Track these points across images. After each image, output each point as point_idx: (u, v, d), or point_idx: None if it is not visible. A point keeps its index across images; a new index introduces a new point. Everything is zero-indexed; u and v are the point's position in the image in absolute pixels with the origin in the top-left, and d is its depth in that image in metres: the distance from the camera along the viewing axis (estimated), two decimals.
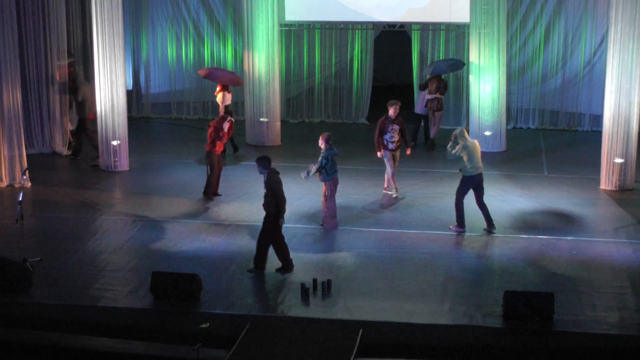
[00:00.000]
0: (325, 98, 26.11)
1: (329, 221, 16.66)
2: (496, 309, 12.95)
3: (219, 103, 21.93)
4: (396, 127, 18.15)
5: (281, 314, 13.05)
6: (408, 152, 18.51)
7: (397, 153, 18.43)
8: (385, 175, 18.63)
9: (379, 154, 18.38)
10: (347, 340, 12.07)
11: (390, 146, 18.22)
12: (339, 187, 16.79)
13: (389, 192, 18.54)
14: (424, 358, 11.94)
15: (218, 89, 22.06)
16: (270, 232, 14.45)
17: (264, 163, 14.43)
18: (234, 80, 22.23)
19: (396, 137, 18.18)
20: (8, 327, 12.79)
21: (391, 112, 18.17)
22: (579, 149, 22.87)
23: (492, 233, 16.29)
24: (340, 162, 17.05)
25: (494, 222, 16.47)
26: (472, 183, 16.34)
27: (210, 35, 26.02)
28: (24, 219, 14.86)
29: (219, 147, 18.30)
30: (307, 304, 13.38)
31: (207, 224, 16.77)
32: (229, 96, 22.14)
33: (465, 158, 16.17)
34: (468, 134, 16.68)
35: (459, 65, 23.47)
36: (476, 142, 16.53)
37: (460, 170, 16.38)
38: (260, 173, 14.54)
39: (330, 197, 16.56)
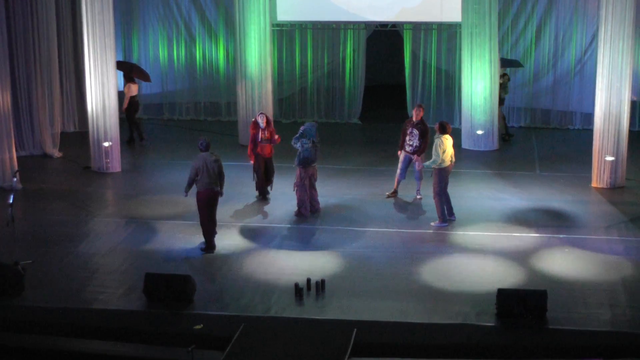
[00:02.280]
0: (317, 98, 26.10)
1: (301, 211, 17.00)
2: (490, 307, 12.96)
3: (125, 94, 22.93)
4: (416, 132, 17.95)
5: (275, 314, 13.04)
6: (415, 158, 18.07)
7: (419, 156, 18.11)
8: (417, 181, 18.43)
9: (398, 152, 18.33)
10: (342, 340, 12.08)
11: (407, 148, 18.10)
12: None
13: (417, 197, 18.42)
14: (418, 357, 11.95)
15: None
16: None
17: (198, 143, 15.49)
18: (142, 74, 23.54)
19: (415, 142, 17.95)
20: (0, 331, 12.76)
21: (413, 114, 18.15)
22: (571, 147, 22.91)
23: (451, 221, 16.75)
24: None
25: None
26: (446, 174, 16.60)
27: (202, 35, 26.01)
28: (15, 222, 14.84)
29: (260, 149, 18.03)
30: (301, 305, 13.39)
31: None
32: (134, 87, 23.01)
33: (440, 151, 16.39)
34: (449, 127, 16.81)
35: (511, 63, 23.69)
36: (450, 137, 16.77)
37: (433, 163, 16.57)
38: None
39: (299, 185, 16.89)
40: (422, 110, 18.17)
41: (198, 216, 15.58)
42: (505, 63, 23.37)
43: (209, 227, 15.51)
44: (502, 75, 23.03)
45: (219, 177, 15.41)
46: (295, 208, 17.18)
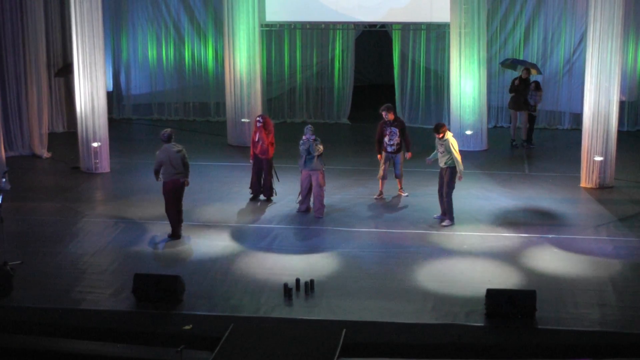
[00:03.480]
0: (306, 98, 26.11)
1: (323, 208, 17.06)
2: (479, 307, 12.98)
3: None
4: (395, 129, 18.04)
5: (264, 314, 13.03)
6: (408, 156, 18.30)
7: (400, 156, 18.21)
8: (397, 180, 18.55)
9: (379, 156, 18.37)
10: (331, 340, 12.08)
11: (389, 149, 18.16)
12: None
13: (403, 194, 18.51)
14: (407, 357, 11.95)
15: None
16: None
17: (160, 134, 16.29)
18: None
19: (395, 140, 18.09)
20: None
21: (384, 116, 18.14)
22: (560, 147, 22.95)
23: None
24: (325, 160, 17.16)
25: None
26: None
27: (190, 36, 25.98)
28: (4, 222, 14.79)
29: (256, 150, 18.11)
30: (290, 305, 13.38)
31: (189, 225, 16.72)
32: None
33: (457, 150, 16.45)
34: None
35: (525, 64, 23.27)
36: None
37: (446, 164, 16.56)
38: None
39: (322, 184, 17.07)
40: (392, 110, 18.22)
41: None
42: (528, 65, 22.93)
43: (175, 216, 16.03)
44: (533, 81, 22.52)
45: (184, 167, 15.97)
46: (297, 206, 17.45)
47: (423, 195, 18.36)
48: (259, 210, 17.73)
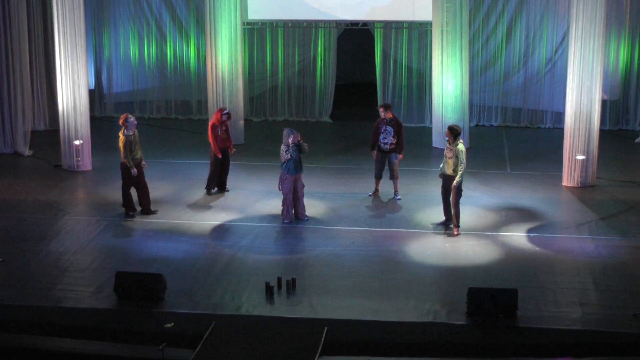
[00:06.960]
0: (288, 96, 26.09)
1: (304, 212, 16.96)
2: (460, 306, 13.01)
3: None
4: (390, 129, 17.95)
5: (246, 313, 13.03)
6: (399, 157, 18.16)
7: (394, 156, 18.03)
8: (393, 181, 18.41)
9: (373, 153, 18.27)
10: (312, 338, 12.08)
11: (383, 147, 18.09)
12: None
13: (396, 197, 18.38)
14: (388, 355, 11.97)
15: None
16: None
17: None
18: None
19: (389, 139, 17.95)
20: None
21: (381, 114, 18.09)
22: (542, 146, 23.00)
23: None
24: (304, 160, 17.08)
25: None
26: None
27: (172, 33, 25.93)
28: None
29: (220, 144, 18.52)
30: (272, 303, 13.38)
31: (171, 223, 16.71)
32: None
33: (465, 158, 16.04)
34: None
35: None
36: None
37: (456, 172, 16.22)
38: None
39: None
40: (389, 108, 18.21)
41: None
42: None
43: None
44: None
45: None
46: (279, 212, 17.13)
47: (406, 194, 18.37)
48: (240, 208, 17.70)
